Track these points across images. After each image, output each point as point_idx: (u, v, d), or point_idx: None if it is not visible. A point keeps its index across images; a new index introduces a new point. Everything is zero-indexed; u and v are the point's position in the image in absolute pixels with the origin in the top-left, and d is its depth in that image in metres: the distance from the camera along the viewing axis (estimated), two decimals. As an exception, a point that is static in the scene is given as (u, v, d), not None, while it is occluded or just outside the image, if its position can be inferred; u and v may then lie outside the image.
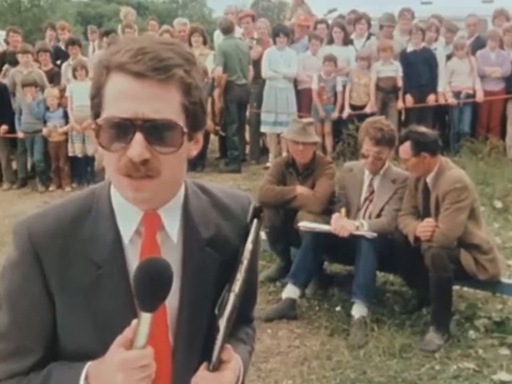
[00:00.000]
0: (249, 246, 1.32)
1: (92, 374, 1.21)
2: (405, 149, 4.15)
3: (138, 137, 1.15)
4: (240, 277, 1.29)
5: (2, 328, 1.29)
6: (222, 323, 1.26)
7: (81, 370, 1.22)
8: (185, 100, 1.20)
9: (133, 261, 1.27)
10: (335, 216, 4.50)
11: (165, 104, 1.18)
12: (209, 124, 8.52)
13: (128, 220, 1.28)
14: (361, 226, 4.35)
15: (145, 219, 1.28)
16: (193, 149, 1.27)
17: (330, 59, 8.55)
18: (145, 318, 1.14)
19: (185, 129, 1.20)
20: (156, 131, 1.17)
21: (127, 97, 1.16)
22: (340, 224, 4.34)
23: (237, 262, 1.31)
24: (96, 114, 1.22)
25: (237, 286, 1.28)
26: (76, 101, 8.50)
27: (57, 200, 1.38)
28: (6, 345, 1.29)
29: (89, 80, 8.57)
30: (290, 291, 4.49)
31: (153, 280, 1.13)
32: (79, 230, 1.28)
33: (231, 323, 1.27)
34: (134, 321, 1.17)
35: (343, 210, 4.52)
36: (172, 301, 1.25)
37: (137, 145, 1.15)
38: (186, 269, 1.30)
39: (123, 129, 1.16)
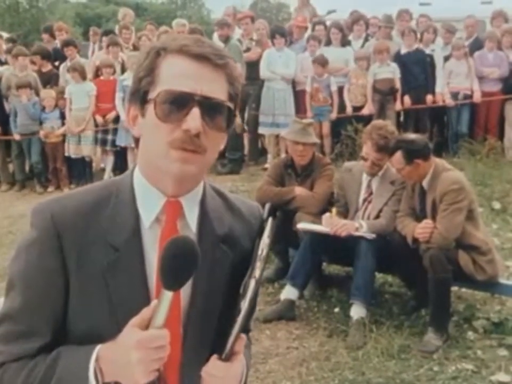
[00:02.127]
0: (266, 239, 1.38)
1: (103, 355, 1.22)
2: (397, 159, 4.15)
3: (196, 111, 1.23)
4: (260, 264, 1.33)
5: (13, 309, 1.30)
6: (244, 305, 1.29)
7: (92, 352, 1.23)
8: (231, 90, 1.31)
9: (151, 247, 1.31)
10: (325, 216, 4.50)
11: (219, 88, 1.28)
12: (239, 120, 8.52)
13: (149, 206, 1.32)
14: (360, 227, 4.35)
15: (167, 205, 1.32)
16: (222, 142, 1.35)
17: (318, 61, 8.58)
18: (167, 296, 1.16)
19: (236, 113, 1.31)
20: (211, 109, 1.25)
21: (186, 75, 1.25)
22: (341, 224, 4.34)
23: (251, 262, 1.36)
24: (144, 93, 1.28)
25: (257, 273, 1.32)
26: (75, 103, 8.53)
27: (79, 188, 1.42)
28: (15, 326, 1.30)
29: (88, 82, 8.60)
30: (288, 292, 4.50)
31: (182, 257, 1.17)
32: (99, 214, 1.31)
33: (252, 308, 1.31)
34: (154, 302, 1.19)
35: (334, 210, 4.54)
36: (184, 291, 1.28)
37: (195, 118, 1.22)
38: (201, 262, 1.32)
39: (181, 102, 1.24)
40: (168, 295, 1.16)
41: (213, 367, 1.30)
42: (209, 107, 1.25)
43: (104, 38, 9.64)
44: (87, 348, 1.24)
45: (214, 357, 1.31)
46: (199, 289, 1.34)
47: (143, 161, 1.33)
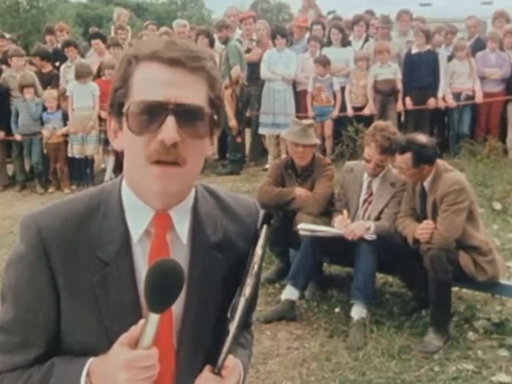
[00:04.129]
0: (259, 251, 1.33)
1: (93, 371, 1.21)
2: (405, 160, 4.10)
3: (171, 120, 1.17)
4: (250, 281, 1.29)
5: (6, 320, 1.29)
6: (232, 327, 1.26)
7: (83, 366, 1.22)
8: (211, 93, 1.24)
9: (140, 261, 1.28)
10: (338, 218, 4.49)
11: (196, 92, 1.21)
12: (234, 123, 8.53)
13: (138, 219, 1.29)
14: (369, 228, 4.35)
15: (156, 219, 1.28)
16: (209, 148, 1.30)
17: (320, 61, 8.61)
18: (153, 319, 1.14)
19: (215, 117, 1.24)
20: (187, 116, 1.19)
21: (159, 83, 1.18)
22: (350, 229, 4.32)
23: (246, 267, 1.32)
24: (120, 105, 1.23)
25: (247, 290, 1.28)
26: (77, 102, 8.52)
27: (66, 197, 1.38)
28: (9, 337, 1.29)
29: (90, 82, 8.60)
30: (289, 292, 4.50)
31: (166, 282, 1.13)
32: (87, 226, 1.28)
33: (241, 326, 1.28)
34: (141, 321, 1.17)
35: (345, 212, 4.52)
36: (177, 303, 1.25)
37: (170, 128, 1.17)
38: (194, 272, 1.31)
39: (154, 112, 1.18)
40: (154, 317, 1.14)
41: (206, 379, 1.28)
42: (186, 114, 1.19)
43: (93, 41, 9.55)
44: (79, 361, 1.24)
45: (207, 369, 1.29)
46: (192, 300, 1.31)
47: (128, 176, 1.30)
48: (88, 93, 8.50)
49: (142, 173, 1.22)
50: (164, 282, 1.13)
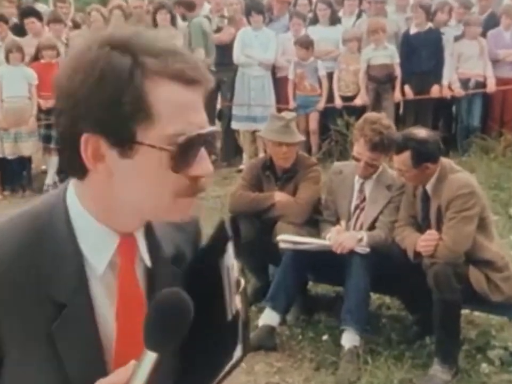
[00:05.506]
0: (234, 264, 1.32)
1: None
2: (404, 160, 4.12)
3: (204, 152, 1.20)
4: (238, 299, 1.31)
5: None
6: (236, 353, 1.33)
7: None
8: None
9: (101, 296, 1.26)
10: (335, 229, 4.50)
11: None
12: None
13: (99, 250, 1.25)
14: (361, 239, 4.37)
15: (122, 246, 1.27)
16: None
17: (301, 43, 8.65)
18: (150, 358, 1.12)
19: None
20: (212, 143, 1.24)
21: (189, 109, 1.19)
22: (339, 241, 4.34)
23: (220, 287, 1.32)
24: (131, 131, 1.16)
25: (240, 311, 1.31)
26: (7, 91, 8.41)
27: (2, 216, 1.31)
28: None
29: (25, 67, 8.48)
30: (268, 317, 4.50)
31: (175, 316, 1.13)
32: (33, 257, 1.22)
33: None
34: (132, 363, 1.14)
35: (343, 223, 4.54)
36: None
37: (205, 160, 1.20)
38: (158, 288, 1.29)
39: (194, 146, 1.19)
40: (150, 356, 1.11)
41: None
42: (211, 141, 1.23)
43: (26, 20, 9.38)
44: None
45: None
46: None
47: (103, 205, 1.24)
48: (21, 79, 8.37)
49: (165, 206, 1.22)
50: (172, 316, 1.12)
